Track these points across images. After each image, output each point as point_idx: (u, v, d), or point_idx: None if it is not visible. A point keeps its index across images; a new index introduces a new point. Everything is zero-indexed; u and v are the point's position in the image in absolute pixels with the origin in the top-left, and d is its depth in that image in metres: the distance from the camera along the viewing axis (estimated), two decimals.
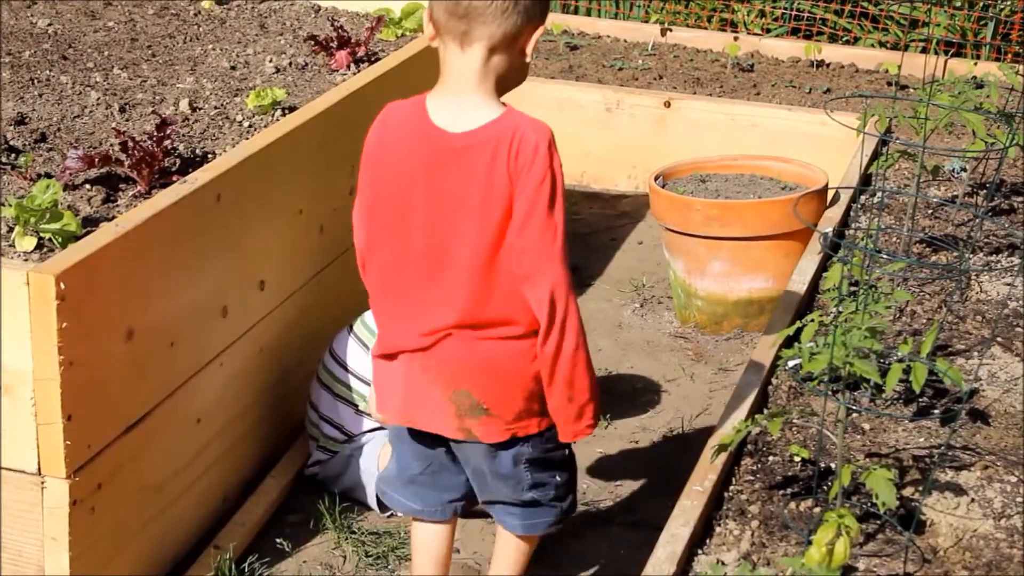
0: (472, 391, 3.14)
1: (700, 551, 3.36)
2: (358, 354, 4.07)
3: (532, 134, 3.02)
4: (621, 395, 4.75)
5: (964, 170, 5.54)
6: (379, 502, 4.03)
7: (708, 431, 3.95)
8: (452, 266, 3.10)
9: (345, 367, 4.09)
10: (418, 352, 3.15)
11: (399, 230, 3.13)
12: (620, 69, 7.12)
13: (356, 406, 4.09)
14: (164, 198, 3.48)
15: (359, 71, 4.65)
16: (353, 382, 4.08)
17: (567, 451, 3.34)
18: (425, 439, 3.30)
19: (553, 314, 3.05)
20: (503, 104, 3.12)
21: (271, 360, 4.05)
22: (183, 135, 4.06)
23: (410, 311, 3.15)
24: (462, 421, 3.18)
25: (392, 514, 4.03)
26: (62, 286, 3.06)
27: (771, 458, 3.72)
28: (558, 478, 3.33)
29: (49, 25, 4.99)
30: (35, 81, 4.39)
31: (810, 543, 3.05)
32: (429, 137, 3.10)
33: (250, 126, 4.16)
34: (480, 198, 3.05)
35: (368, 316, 4.10)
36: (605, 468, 4.33)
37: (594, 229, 6.12)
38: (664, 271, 5.41)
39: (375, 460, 4.02)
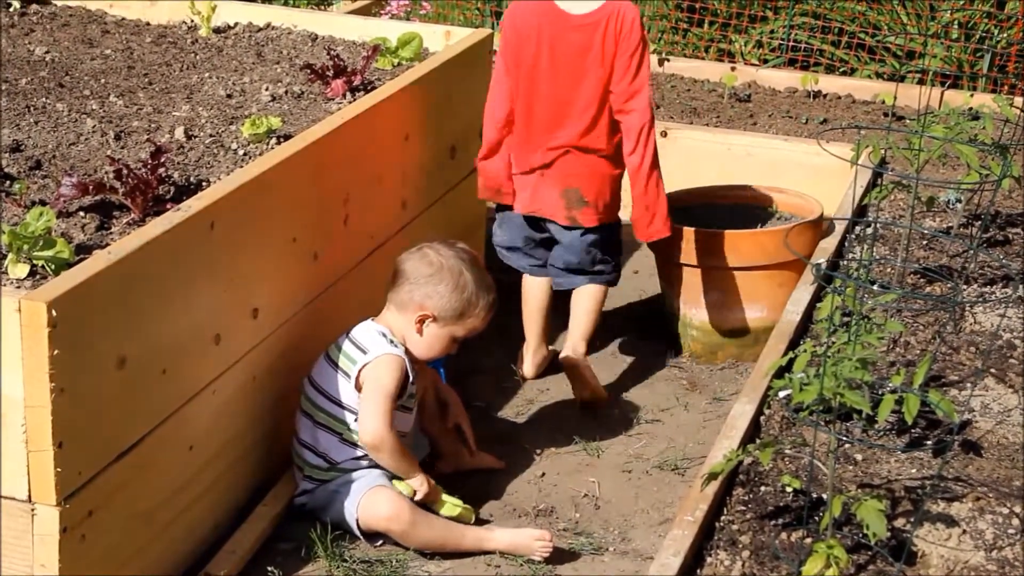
0: (580, 188, 4.79)
1: None
2: (336, 380, 4.07)
3: (629, 12, 4.68)
4: (614, 424, 4.75)
5: (959, 201, 5.55)
6: (364, 534, 4.03)
7: (701, 461, 3.96)
8: (570, 108, 4.74)
9: (324, 394, 4.08)
10: (542, 168, 4.81)
11: (531, 86, 4.77)
12: None
13: (340, 434, 4.08)
14: (157, 226, 3.48)
15: (355, 100, 4.66)
16: (333, 409, 4.08)
17: (619, 243, 5.00)
18: (535, 226, 4.95)
19: (639, 136, 4.71)
20: None
21: (264, 388, 4.05)
22: (178, 163, 4.06)
23: (539, 141, 4.80)
24: (570, 211, 4.83)
25: (382, 543, 4.03)
26: (54, 313, 3.07)
27: (763, 488, 3.72)
28: (611, 262, 4.96)
29: (46, 53, 5.00)
30: (31, 108, 4.40)
31: (800, 574, 3.05)
32: (555, 18, 4.73)
33: (245, 154, 4.17)
34: (594, 59, 4.69)
35: (344, 341, 4.11)
36: (597, 497, 4.33)
37: None
38: (659, 299, 5.41)
39: (357, 502, 4.02)
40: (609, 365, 5.18)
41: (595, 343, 5.32)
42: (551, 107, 4.76)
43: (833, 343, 3.42)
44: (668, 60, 7.73)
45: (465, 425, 4.42)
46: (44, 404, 3.11)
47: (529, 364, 5.04)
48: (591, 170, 4.79)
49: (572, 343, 4.89)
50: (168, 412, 3.57)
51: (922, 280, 4.94)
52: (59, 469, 3.18)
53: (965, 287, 4.92)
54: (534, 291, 5.03)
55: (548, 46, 4.72)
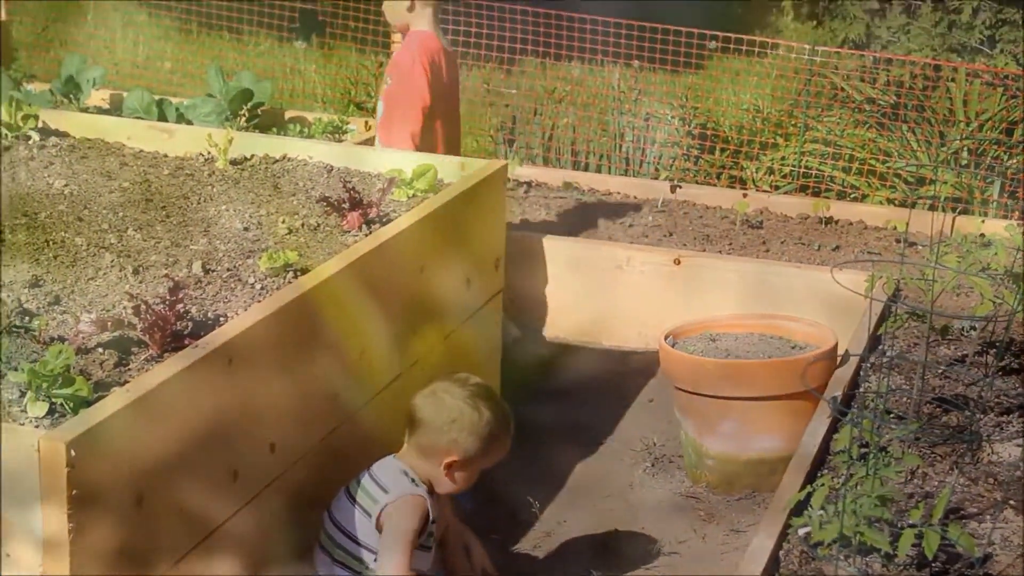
0: None
1: None
2: (354, 517, 4.04)
3: None
4: (632, 557, 4.72)
5: (973, 329, 5.55)
6: None
7: None
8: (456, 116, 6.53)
9: (342, 530, 4.06)
10: None
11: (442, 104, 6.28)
12: (631, 226, 7.18)
13: (358, 573, 4.04)
14: (175, 363, 3.49)
15: (371, 232, 4.69)
16: (350, 546, 4.04)
17: None
18: None
19: None
20: None
21: (281, 524, 4.02)
22: (195, 298, 4.09)
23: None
24: None
25: None
26: (72, 453, 3.07)
27: None
28: None
29: (65, 186, 5.04)
30: (50, 243, 4.43)
31: None
32: (446, 51, 6.33)
33: (262, 288, 4.19)
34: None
35: (364, 477, 4.09)
36: None
37: (604, 387, 6.13)
38: (675, 429, 5.41)
39: None
40: (626, 495, 5.16)
41: (609, 474, 5.31)
42: (456, 119, 6.46)
43: (852, 475, 3.41)
44: (680, 187, 7.78)
45: (489, 569, 4.39)
46: (63, 544, 3.10)
47: None
48: None
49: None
50: (185, 550, 3.55)
51: (938, 409, 4.92)
52: None
53: (981, 416, 4.91)
54: None
55: (447, 72, 6.27)
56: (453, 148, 6.47)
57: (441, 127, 6.32)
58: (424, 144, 6.14)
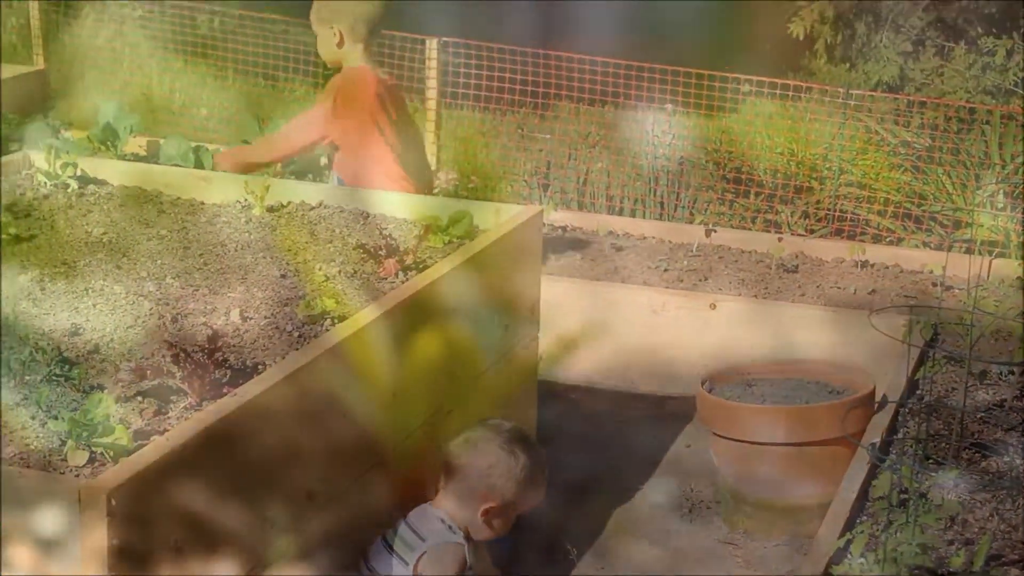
0: None
1: None
2: (391, 565, 4.04)
3: None
4: None
5: (1012, 373, 5.52)
6: None
7: None
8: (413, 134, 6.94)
9: None
10: None
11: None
12: (665, 270, 7.17)
13: None
14: (214, 412, 3.51)
15: (407, 279, 4.70)
16: None
17: None
18: None
19: None
20: None
21: (319, 572, 4.03)
22: (233, 346, 4.10)
23: None
24: None
25: None
26: (113, 502, 3.08)
27: None
28: None
29: (104, 234, 5.07)
30: (89, 291, 4.46)
31: None
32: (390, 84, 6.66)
33: (300, 336, 4.20)
34: None
35: (401, 525, 4.09)
36: None
37: (640, 432, 6.11)
38: (712, 475, 5.39)
39: None
40: (663, 542, 5.14)
41: (645, 520, 5.29)
42: (416, 145, 6.75)
43: (892, 522, 3.39)
44: (715, 231, 7.77)
45: None
46: None
47: None
48: None
49: None
50: None
51: (977, 455, 4.89)
52: None
53: (1021, 462, 4.87)
54: None
55: (392, 102, 6.51)
56: (418, 172, 6.66)
57: (394, 155, 6.48)
58: (370, 171, 6.45)
